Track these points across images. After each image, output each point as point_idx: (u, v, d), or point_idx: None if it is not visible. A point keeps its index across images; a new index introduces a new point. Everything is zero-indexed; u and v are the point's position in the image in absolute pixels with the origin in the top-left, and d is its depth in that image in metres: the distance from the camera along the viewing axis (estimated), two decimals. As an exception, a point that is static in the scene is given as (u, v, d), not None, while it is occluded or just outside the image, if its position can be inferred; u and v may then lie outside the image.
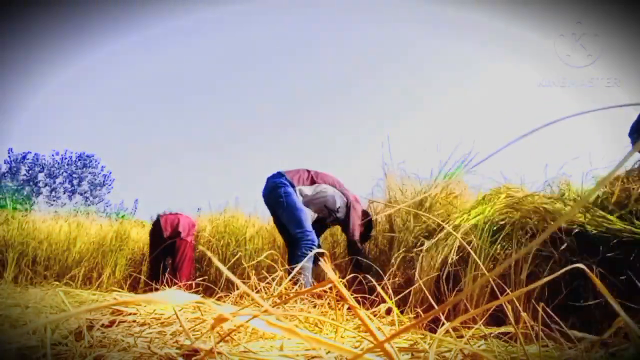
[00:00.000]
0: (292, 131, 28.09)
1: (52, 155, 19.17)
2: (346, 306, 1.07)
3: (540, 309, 0.73)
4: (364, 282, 1.36)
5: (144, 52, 22.72)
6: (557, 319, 0.82)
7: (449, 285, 1.58)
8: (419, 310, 1.57)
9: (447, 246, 1.67)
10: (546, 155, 2.19)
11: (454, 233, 1.39)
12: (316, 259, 2.35)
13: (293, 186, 2.36)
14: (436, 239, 1.75)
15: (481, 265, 1.17)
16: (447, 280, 1.59)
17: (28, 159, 18.64)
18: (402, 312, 1.57)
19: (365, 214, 2.63)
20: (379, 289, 0.73)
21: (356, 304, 0.46)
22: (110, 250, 3.80)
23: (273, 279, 1.21)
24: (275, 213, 2.47)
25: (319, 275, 2.68)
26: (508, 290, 1.35)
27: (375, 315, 1.15)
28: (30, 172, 18.47)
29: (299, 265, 0.80)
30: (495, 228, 1.61)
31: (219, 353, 0.60)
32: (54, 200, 18.08)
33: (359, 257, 2.36)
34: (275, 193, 2.35)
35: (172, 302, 0.27)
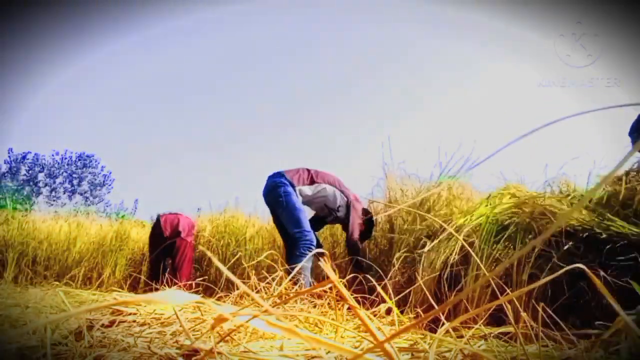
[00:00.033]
0: (292, 131, 28.08)
1: (52, 155, 19.15)
2: (346, 306, 1.07)
3: (540, 309, 0.73)
4: (364, 282, 1.36)
5: (144, 52, 22.72)
6: (557, 319, 0.82)
7: (449, 285, 1.58)
8: (419, 310, 1.57)
9: (448, 247, 1.67)
10: (546, 155, 2.19)
11: (455, 234, 1.39)
12: (316, 257, 2.35)
13: (293, 186, 2.37)
14: (438, 239, 1.75)
15: (481, 266, 1.17)
16: (448, 280, 1.59)
17: (28, 159, 18.62)
18: (402, 312, 1.57)
19: (365, 212, 2.63)
20: (379, 289, 0.73)
21: (356, 304, 0.46)
22: (110, 250, 3.80)
23: (273, 279, 1.21)
24: (274, 212, 2.48)
25: (318, 275, 2.68)
26: (508, 291, 1.35)
27: (375, 315, 1.15)
28: (30, 172, 18.45)
29: (299, 266, 0.80)
30: (499, 228, 1.60)
31: (219, 353, 0.60)
32: (54, 200, 18.07)
33: (359, 257, 2.36)
34: (275, 193, 2.35)
35: (172, 302, 0.27)
